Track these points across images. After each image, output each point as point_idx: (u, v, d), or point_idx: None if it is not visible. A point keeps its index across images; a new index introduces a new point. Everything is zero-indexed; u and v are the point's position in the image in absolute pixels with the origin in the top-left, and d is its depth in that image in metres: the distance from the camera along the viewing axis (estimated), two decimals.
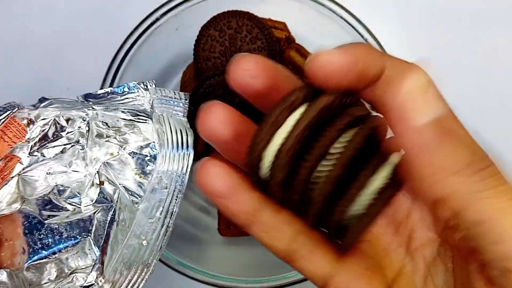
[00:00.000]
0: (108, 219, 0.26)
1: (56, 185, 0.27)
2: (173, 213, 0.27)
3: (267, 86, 0.21)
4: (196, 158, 0.38)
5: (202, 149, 0.37)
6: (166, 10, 0.36)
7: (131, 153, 0.27)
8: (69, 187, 0.27)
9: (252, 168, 0.21)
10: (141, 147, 0.28)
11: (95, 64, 0.38)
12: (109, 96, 0.31)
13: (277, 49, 0.36)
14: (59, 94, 0.40)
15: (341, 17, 0.36)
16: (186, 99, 0.30)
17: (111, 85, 0.35)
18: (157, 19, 0.35)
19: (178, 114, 0.30)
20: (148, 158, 0.28)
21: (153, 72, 0.39)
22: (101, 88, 0.35)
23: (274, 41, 0.36)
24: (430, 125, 0.17)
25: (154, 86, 0.30)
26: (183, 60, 0.39)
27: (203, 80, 0.35)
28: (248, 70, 0.21)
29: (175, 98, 0.30)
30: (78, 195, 0.27)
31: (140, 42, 0.36)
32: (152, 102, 0.29)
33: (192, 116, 0.37)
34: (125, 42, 0.35)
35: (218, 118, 0.22)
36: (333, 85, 0.19)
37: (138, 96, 0.30)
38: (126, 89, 0.30)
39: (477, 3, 0.41)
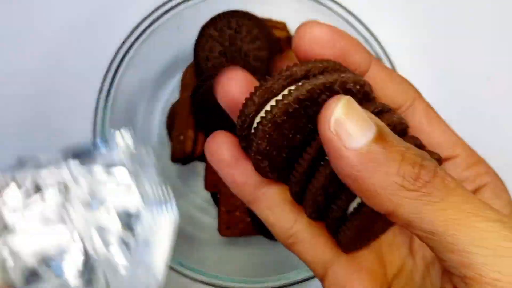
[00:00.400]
0: None
1: (41, 254, 0.26)
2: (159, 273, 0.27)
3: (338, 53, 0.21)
4: (198, 159, 0.38)
5: (201, 150, 0.37)
6: (166, 10, 0.35)
7: (114, 210, 0.26)
8: (53, 255, 0.26)
9: (241, 133, 0.20)
10: (125, 204, 0.27)
11: (95, 64, 0.38)
12: (88, 149, 0.30)
13: (277, 49, 0.36)
14: (59, 93, 0.40)
15: (341, 16, 0.36)
16: (151, 152, 0.30)
17: (110, 85, 0.35)
18: (157, 19, 0.35)
19: (150, 168, 0.29)
20: (133, 214, 0.27)
21: (153, 72, 0.39)
22: (101, 88, 0.35)
23: (274, 41, 0.36)
24: (365, 147, 0.17)
25: (129, 134, 0.29)
26: (183, 60, 0.39)
27: (203, 80, 0.35)
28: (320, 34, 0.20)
29: (145, 152, 0.30)
30: (61, 264, 0.26)
31: (140, 42, 0.35)
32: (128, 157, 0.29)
33: (194, 113, 0.37)
34: (125, 41, 0.35)
35: (238, 84, 0.22)
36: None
37: (115, 148, 0.29)
38: (103, 141, 0.29)
39: (478, 4, 0.41)
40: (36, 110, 0.40)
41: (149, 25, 0.35)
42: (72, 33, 0.40)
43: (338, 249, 0.23)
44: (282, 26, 0.38)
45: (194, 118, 0.36)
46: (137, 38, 0.35)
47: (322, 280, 0.23)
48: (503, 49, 0.41)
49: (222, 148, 0.22)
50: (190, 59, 0.37)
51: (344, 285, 0.22)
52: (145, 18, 0.35)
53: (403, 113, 0.22)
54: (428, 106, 0.22)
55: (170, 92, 0.40)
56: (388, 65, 0.35)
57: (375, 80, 0.21)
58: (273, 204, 0.23)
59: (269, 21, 0.38)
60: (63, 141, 0.39)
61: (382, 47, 0.35)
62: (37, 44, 0.40)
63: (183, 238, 0.38)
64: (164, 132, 0.40)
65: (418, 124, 0.22)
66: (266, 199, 0.23)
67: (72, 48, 0.40)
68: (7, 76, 0.40)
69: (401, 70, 0.35)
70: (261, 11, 0.37)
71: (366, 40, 0.36)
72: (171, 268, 0.35)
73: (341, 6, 0.36)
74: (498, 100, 0.40)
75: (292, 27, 0.39)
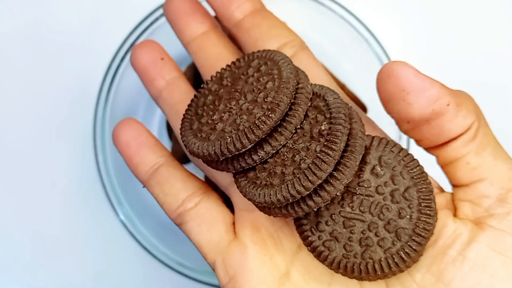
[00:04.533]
0: None
1: None
2: None
3: None
4: None
5: None
6: None
7: None
8: None
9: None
10: None
11: (95, 64, 0.38)
12: None
13: None
14: (59, 93, 0.40)
15: (341, 16, 0.36)
16: None
17: (110, 85, 0.35)
18: (158, 19, 0.35)
19: None
20: None
21: None
22: (101, 88, 0.35)
23: None
24: None
25: None
26: (183, 60, 0.39)
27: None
28: None
29: None
30: None
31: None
32: None
33: None
34: (125, 41, 0.35)
35: (149, 53, 0.27)
36: None
37: None
38: None
39: (479, 4, 0.41)
40: (35, 109, 0.40)
41: (150, 25, 0.35)
42: (72, 32, 0.40)
43: (231, 231, 0.23)
44: None
45: None
46: (137, 38, 0.35)
47: (213, 265, 0.23)
48: (504, 49, 0.41)
49: (124, 130, 0.25)
50: (190, 59, 0.37)
51: (238, 269, 0.22)
52: (146, 18, 0.35)
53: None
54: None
55: None
56: None
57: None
58: (162, 181, 0.24)
59: None
60: (63, 141, 0.39)
61: (382, 47, 0.35)
62: (37, 44, 0.40)
63: (184, 239, 0.38)
64: (165, 131, 0.40)
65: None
66: (157, 176, 0.24)
67: (72, 48, 0.40)
68: (7, 75, 0.40)
69: None
70: None
71: (366, 40, 0.36)
72: (171, 268, 0.35)
73: (341, 6, 0.36)
74: (499, 100, 0.40)
75: (292, 27, 0.38)
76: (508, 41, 0.41)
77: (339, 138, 0.19)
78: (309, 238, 0.20)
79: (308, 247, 0.21)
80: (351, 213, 0.20)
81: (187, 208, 0.23)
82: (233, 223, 0.23)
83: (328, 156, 0.18)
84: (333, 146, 0.19)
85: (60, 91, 0.40)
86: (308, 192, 0.19)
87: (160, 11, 0.36)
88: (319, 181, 0.18)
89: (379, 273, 0.19)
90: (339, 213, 0.20)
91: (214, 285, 0.34)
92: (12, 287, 0.39)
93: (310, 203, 0.19)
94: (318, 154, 0.19)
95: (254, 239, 0.22)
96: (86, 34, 0.40)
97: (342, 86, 0.37)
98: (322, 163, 0.18)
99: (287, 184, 0.19)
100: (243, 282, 0.21)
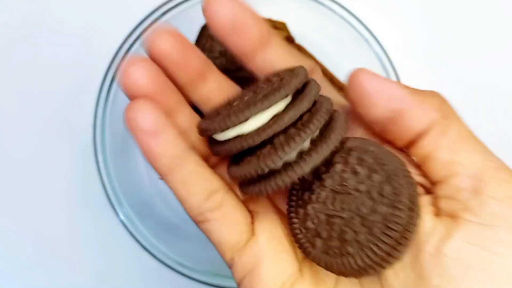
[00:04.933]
0: None
1: None
2: None
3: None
4: None
5: None
6: (166, 10, 0.35)
7: None
8: None
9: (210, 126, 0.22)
10: None
11: (94, 63, 0.38)
12: None
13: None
14: (58, 93, 0.40)
15: (341, 17, 0.36)
16: None
17: (110, 85, 0.35)
18: (157, 19, 0.35)
19: None
20: None
21: None
22: (101, 88, 0.35)
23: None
24: None
25: None
26: None
27: None
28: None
29: None
30: None
31: (141, 42, 0.35)
32: None
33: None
34: (125, 41, 0.35)
35: (142, 72, 0.22)
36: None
37: None
38: None
39: (479, 4, 0.41)
40: (35, 109, 0.40)
41: (150, 25, 0.35)
42: (72, 32, 0.40)
43: (250, 231, 0.23)
44: (282, 26, 0.38)
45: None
46: (137, 38, 0.35)
47: (231, 263, 0.23)
48: (505, 49, 0.41)
49: (144, 114, 0.21)
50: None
51: (254, 265, 0.22)
52: (146, 18, 0.35)
53: None
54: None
55: None
56: (388, 65, 0.35)
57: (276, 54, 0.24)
58: (187, 178, 0.22)
59: (269, 21, 0.38)
60: (64, 141, 0.39)
61: (382, 47, 0.35)
62: (37, 43, 0.40)
63: (184, 239, 0.38)
64: None
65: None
66: (181, 171, 0.22)
67: (72, 47, 0.40)
68: (7, 75, 0.40)
69: (401, 70, 0.35)
70: (261, 11, 0.37)
71: (366, 40, 0.36)
72: (171, 268, 0.35)
73: (341, 6, 0.36)
74: (499, 100, 0.40)
75: (292, 27, 0.38)
76: (508, 41, 0.41)
77: (314, 124, 0.21)
78: (297, 236, 0.22)
79: (298, 245, 0.22)
80: (333, 210, 0.21)
81: (210, 207, 0.23)
82: (252, 223, 0.24)
83: (299, 137, 0.20)
84: (306, 130, 0.20)
85: (60, 91, 0.40)
86: (275, 166, 0.21)
87: (160, 11, 0.36)
88: (286, 154, 0.20)
89: (355, 267, 0.20)
90: (323, 211, 0.21)
91: (214, 285, 0.34)
92: (12, 287, 0.39)
93: (278, 180, 0.21)
94: (292, 136, 0.21)
95: (270, 237, 0.23)
96: (86, 34, 0.40)
97: (342, 86, 0.37)
98: (291, 141, 0.20)
99: (258, 158, 0.21)
100: (258, 278, 0.22)
